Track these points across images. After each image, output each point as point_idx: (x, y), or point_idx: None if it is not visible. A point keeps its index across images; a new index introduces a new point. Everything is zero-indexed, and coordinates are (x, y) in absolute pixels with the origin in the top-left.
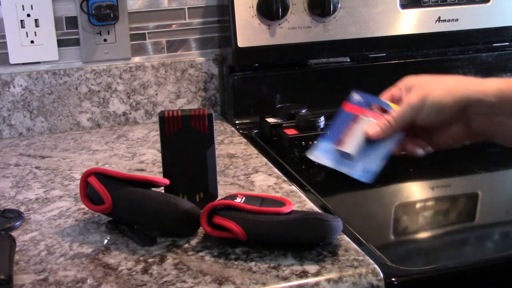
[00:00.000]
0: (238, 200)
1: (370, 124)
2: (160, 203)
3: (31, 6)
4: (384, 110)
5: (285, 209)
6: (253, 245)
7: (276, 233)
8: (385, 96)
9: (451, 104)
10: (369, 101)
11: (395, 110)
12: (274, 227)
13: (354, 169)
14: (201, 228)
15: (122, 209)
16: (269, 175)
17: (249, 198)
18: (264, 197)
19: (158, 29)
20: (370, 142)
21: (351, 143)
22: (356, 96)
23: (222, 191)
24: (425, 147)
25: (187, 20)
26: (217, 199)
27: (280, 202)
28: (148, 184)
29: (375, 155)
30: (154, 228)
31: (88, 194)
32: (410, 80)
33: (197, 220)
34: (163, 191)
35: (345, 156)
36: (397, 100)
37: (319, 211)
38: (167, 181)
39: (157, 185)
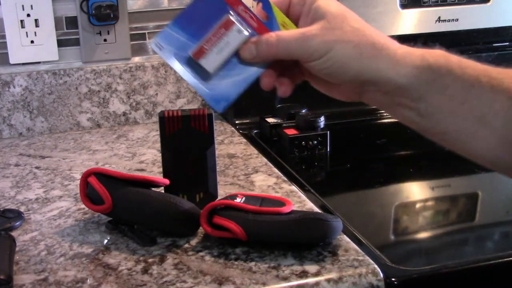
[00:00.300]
0: (238, 200)
1: (245, 41)
2: (160, 203)
3: (31, 6)
4: (257, 13)
5: (285, 209)
6: (253, 245)
7: (276, 233)
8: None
9: (355, 70)
10: None
11: (283, 32)
12: (274, 227)
13: (205, 88)
14: (201, 228)
15: (122, 209)
16: (269, 175)
17: (249, 198)
18: (264, 197)
19: (158, 29)
20: (235, 60)
21: (213, 58)
22: None
23: (222, 191)
24: (291, 86)
25: None
26: (217, 199)
27: (280, 202)
28: (148, 184)
29: (237, 80)
30: (154, 228)
31: (88, 194)
32: (322, 3)
33: (197, 220)
34: (163, 191)
35: (198, 67)
36: (293, 14)
37: (319, 211)
38: (167, 181)
39: (157, 185)
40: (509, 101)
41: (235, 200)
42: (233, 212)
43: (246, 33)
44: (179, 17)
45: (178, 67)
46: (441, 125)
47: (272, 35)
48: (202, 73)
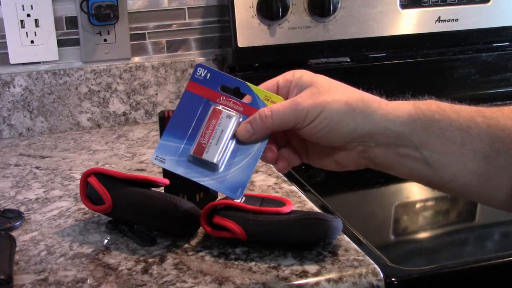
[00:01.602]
0: (238, 200)
1: (238, 124)
2: (160, 203)
3: (31, 6)
4: (240, 95)
5: (285, 209)
6: (253, 245)
7: (276, 233)
8: (264, 86)
9: (352, 127)
10: (220, 80)
11: (275, 105)
12: (274, 227)
13: (220, 182)
14: (201, 228)
15: (122, 209)
16: (269, 175)
17: (249, 198)
18: (264, 197)
19: (158, 29)
20: (235, 146)
21: (213, 148)
22: (202, 71)
23: None
24: (296, 162)
25: (187, 20)
26: (217, 199)
27: (280, 202)
28: (148, 184)
29: (244, 164)
30: (154, 228)
31: (88, 194)
32: (305, 75)
33: (197, 220)
34: (163, 191)
35: (203, 163)
36: (281, 95)
37: (319, 211)
38: (167, 181)
39: (157, 185)
40: (508, 139)
41: (235, 200)
42: (233, 212)
43: (235, 115)
44: (168, 128)
45: (185, 171)
46: (449, 172)
47: (264, 110)
48: (209, 168)
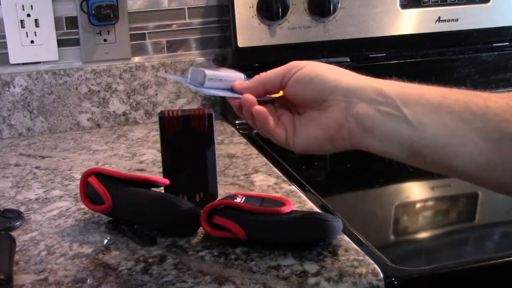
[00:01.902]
0: (238, 200)
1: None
2: (160, 203)
3: (31, 6)
4: None
5: (285, 209)
6: (253, 245)
7: (276, 233)
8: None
9: (334, 77)
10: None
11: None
12: (274, 227)
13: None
14: (201, 228)
15: (122, 209)
16: (269, 175)
17: (249, 198)
18: (264, 197)
19: (158, 29)
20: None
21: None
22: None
23: (222, 191)
24: (281, 136)
25: (187, 20)
26: (217, 199)
27: (280, 202)
28: (148, 184)
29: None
30: (154, 228)
31: (88, 194)
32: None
33: (197, 220)
34: (163, 191)
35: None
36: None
37: (319, 211)
38: (167, 181)
39: (157, 185)
40: (483, 103)
41: (235, 200)
42: (233, 212)
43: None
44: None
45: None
46: (430, 131)
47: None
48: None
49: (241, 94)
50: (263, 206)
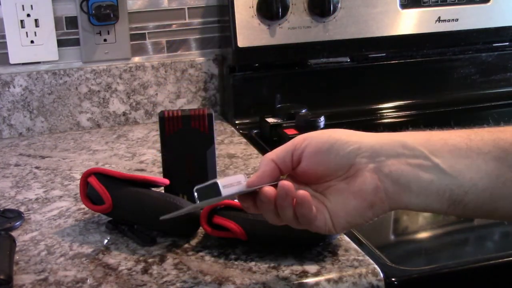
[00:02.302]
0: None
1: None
2: (160, 203)
3: (31, 6)
4: None
5: None
6: (253, 245)
7: (276, 233)
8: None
9: (355, 139)
10: None
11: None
12: (274, 227)
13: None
14: (201, 228)
15: (122, 209)
16: None
17: None
18: None
19: (158, 29)
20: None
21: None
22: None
23: None
24: (323, 222)
25: (187, 20)
26: None
27: None
28: (148, 184)
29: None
30: (154, 228)
31: (88, 194)
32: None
33: (197, 220)
34: (163, 191)
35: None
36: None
37: None
38: (167, 181)
39: (157, 185)
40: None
41: (235, 200)
42: (233, 212)
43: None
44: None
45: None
46: (467, 176)
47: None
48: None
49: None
50: None
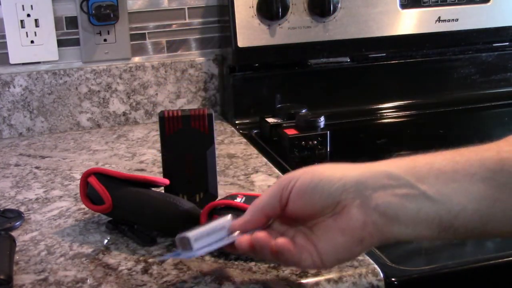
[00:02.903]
0: (238, 200)
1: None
2: (160, 203)
3: (31, 6)
4: None
5: None
6: None
7: None
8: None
9: (339, 174)
10: None
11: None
12: None
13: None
14: None
15: (122, 209)
16: (269, 175)
17: (249, 198)
18: None
19: (158, 29)
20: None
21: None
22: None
23: (222, 191)
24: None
25: (187, 20)
26: (217, 199)
27: None
28: (148, 184)
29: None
30: (154, 228)
31: (88, 194)
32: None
33: (197, 220)
34: (163, 191)
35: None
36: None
37: None
38: (167, 181)
39: (157, 185)
40: (497, 156)
41: (235, 200)
42: (233, 212)
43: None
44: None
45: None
46: (454, 201)
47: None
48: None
49: (241, 232)
50: None
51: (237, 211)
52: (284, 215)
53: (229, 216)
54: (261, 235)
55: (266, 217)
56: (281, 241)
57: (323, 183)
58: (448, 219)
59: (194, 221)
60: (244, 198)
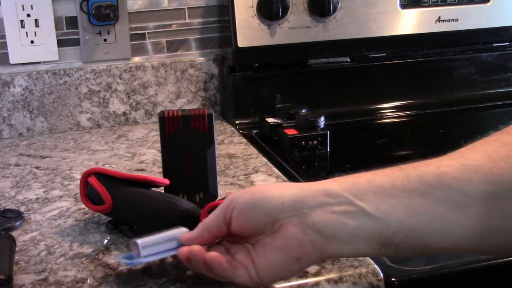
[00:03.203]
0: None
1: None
2: (160, 203)
3: (31, 6)
4: None
5: None
6: None
7: None
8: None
9: (278, 193)
10: None
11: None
12: None
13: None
14: None
15: (122, 209)
16: (269, 175)
17: None
18: None
19: (158, 29)
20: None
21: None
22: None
23: (222, 191)
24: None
25: (187, 20)
26: (217, 199)
27: None
28: (148, 184)
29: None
30: (154, 228)
31: (88, 194)
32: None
33: (197, 220)
34: (163, 191)
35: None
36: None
37: None
38: (167, 181)
39: (157, 185)
40: (437, 171)
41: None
42: None
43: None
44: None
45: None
46: (393, 217)
47: None
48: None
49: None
50: None
51: None
52: (231, 233)
53: (183, 229)
54: (196, 248)
55: (212, 236)
56: (213, 254)
57: (262, 202)
58: (387, 236)
59: (194, 221)
60: None
